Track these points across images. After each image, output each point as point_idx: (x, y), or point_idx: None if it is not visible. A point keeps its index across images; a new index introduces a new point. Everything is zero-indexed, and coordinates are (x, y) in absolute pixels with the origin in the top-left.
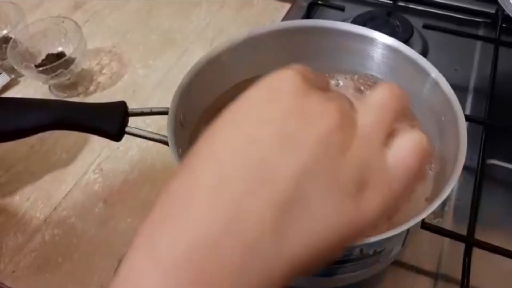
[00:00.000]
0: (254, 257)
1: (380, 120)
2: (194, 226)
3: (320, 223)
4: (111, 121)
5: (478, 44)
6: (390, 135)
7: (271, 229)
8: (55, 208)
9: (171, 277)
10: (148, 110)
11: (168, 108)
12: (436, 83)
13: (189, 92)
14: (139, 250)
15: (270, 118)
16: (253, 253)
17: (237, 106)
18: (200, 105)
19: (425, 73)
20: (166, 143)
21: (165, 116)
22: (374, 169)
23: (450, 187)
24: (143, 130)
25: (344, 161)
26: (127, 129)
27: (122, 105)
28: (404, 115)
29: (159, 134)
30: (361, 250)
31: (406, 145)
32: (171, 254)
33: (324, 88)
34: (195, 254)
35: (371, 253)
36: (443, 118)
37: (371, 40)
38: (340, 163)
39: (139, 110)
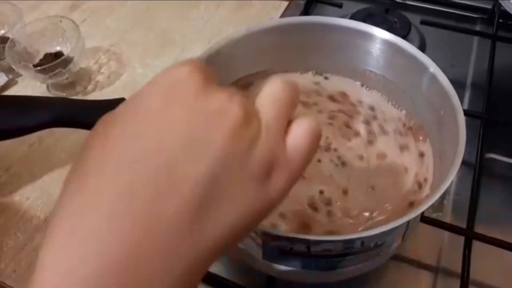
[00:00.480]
0: (174, 256)
1: (279, 111)
2: (105, 240)
3: (235, 212)
4: None
5: (475, 39)
6: (288, 123)
7: (188, 227)
8: None
9: None
10: None
11: None
12: (434, 77)
13: None
14: (52, 272)
15: (172, 124)
16: (173, 253)
17: (133, 110)
18: None
19: (423, 68)
20: None
21: None
22: (278, 156)
23: (450, 179)
24: None
25: (252, 154)
26: None
27: (122, 102)
28: (297, 103)
29: None
30: (362, 242)
31: (300, 130)
32: (86, 270)
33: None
34: (112, 266)
35: (372, 245)
36: (442, 112)
37: (369, 36)
38: (249, 156)
39: None
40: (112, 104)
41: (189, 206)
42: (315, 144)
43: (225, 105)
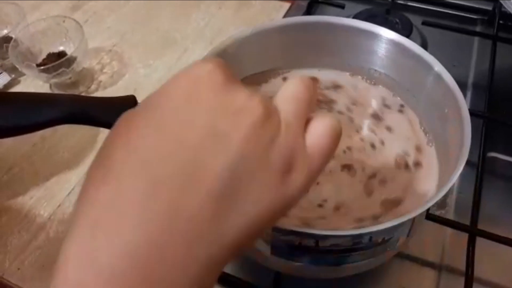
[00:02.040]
0: (196, 246)
1: (298, 109)
2: (130, 230)
3: (256, 207)
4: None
5: (476, 40)
6: (307, 121)
7: (209, 218)
8: (59, 205)
9: (117, 284)
10: None
11: None
12: (439, 76)
13: None
14: (75, 262)
15: (194, 120)
16: (195, 242)
17: (155, 106)
18: None
19: (428, 67)
20: None
21: None
22: (297, 153)
23: (456, 175)
24: None
25: (272, 150)
26: None
27: (132, 99)
28: (315, 102)
29: None
30: (370, 238)
31: (320, 129)
32: (111, 260)
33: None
34: (136, 256)
35: (379, 241)
36: (446, 111)
37: (375, 36)
38: (268, 152)
39: None
40: (123, 101)
41: (210, 199)
42: (335, 142)
43: (245, 102)
